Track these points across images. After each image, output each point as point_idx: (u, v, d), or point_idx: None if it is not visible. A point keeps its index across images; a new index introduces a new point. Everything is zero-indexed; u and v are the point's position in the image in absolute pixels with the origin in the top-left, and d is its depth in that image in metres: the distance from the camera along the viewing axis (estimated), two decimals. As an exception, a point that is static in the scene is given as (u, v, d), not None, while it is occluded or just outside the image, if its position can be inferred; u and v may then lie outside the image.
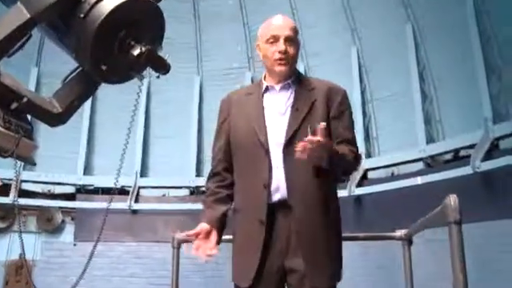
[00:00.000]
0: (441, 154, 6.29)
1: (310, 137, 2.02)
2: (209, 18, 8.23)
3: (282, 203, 2.21)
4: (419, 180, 6.02)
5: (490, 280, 4.91)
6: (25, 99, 2.00)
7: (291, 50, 2.32)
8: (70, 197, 7.78)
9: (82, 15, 1.92)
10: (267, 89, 2.39)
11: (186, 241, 3.66)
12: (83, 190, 7.80)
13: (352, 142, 2.32)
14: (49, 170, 7.44)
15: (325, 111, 2.30)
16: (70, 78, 2.26)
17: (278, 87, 2.36)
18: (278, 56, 2.30)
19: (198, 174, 7.99)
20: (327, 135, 2.08)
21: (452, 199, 1.95)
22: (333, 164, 2.14)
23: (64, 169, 7.73)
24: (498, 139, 5.63)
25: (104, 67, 2.08)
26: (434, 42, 6.72)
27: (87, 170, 7.90)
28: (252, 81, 8.13)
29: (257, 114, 2.34)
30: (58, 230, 7.51)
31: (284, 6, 7.82)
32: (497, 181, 5.43)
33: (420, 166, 6.37)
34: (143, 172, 8.02)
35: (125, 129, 8.80)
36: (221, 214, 2.29)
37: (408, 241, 3.11)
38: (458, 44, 6.36)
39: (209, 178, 2.43)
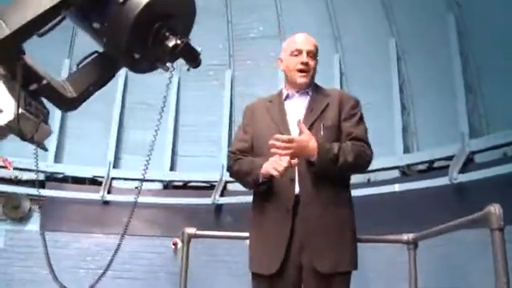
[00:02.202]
0: (417, 164, 6.54)
1: (282, 136, 2.36)
2: (193, 12, 8.16)
3: (298, 195, 2.47)
4: (397, 187, 6.24)
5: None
6: (44, 81, 1.96)
7: (312, 63, 2.66)
8: (38, 184, 7.49)
9: (120, 0, 1.88)
10: (287, 96, 2.72)
11: (196, 235, 3.66)
12: (52, 178, 7.55)
13: (361, 138, 2.59)
14: (17, 155, 7.16)
15: (336, 114, 2.58)
16: (84, 62, 2.23)
17: (297, 94, 2.69)
18: (300, 67, 2.65)
19: (172, 168, 7.91)
20: (303, 131, 2.39)
21: (496, 208, 2.09)
22: (322, 158, 2.37)
23: (32, 155, 7.44)
24: (473, 153, 5.95)
25: (137, 56, 2.07)
26: (415, 57, 6.99)
27: (58, 157, 7.66)
28: (231, 79, 8.15)
29: (281, 118, 2.65)
30: (24, 218, 7.21)
31: (270, 8, 7.92)
32: (471, 192, 5.71)
33: (396, 173, 6.60)
34: (116, 163, 7.86)
35: (98, 118, 8.64)
36: None
37: (414, 244, 3.25)
38: (438, 61, 6.65)
39: (234, 160, 2.74)
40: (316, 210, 2.45)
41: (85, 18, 2.12)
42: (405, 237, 3.30)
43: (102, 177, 7.60)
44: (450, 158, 6.20)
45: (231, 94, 8.04)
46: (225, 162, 7.76)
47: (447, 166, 6.14)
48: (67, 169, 7.62)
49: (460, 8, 6.46)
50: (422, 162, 6.50)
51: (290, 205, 2.46)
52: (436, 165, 6.48)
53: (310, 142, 2.39)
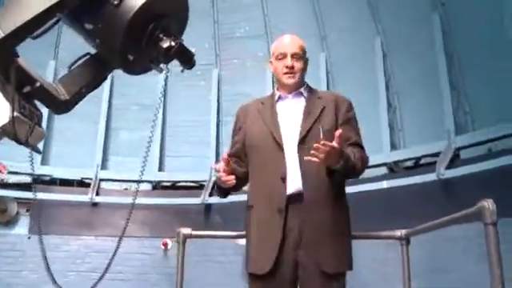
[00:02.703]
0: (404, 161, 6.64)
1: (324, 141, 2.30)
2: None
3: (297, 195, 2.46)
4: (385, 184, 6.33)
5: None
6: (37, 83, 1.95)
7: (298, 65, 2.66)
8: (25, 187, 7.43)
9: (115, 2, 1.88)
10: (280, 97, 2.72)
11: (192, 236, 3.67)
12: (39, 181, 7.48)
13: (360, 143, 2.64)
14: (3, 157, 7.08)
15: (333, 117, 2.62)
16: (76, 64, 2.23)
17: (290, 95, 2.70)
18: (285, 70, 2.65)
19: (161, 168, 7.91)
20: (339, 143, 2.34)
21: (490, 202, 2.14)
22: (343, 167, 2.39)
23: (20, 157, 7.39)
24: (459, 149, 6.06)
25: (131, 57, 2.08)
26: (401, 56, 7.09)
27: (44, 159, 7.60)
28: (218, 78, 8.17)
29: (271, 119, 2.64)
30: (11, 221, 7.14)
31: (256, 8, 7.95)
32: (458, 188, 5.82)
33: (383, 170, 6.69)
34: (104, 164, 7.83)
35: (84, 119, 8.56)
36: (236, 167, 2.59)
37: (406, 240, 3.30)
38: (424, 59, 6.77)
39: None
40: (314, 208, 2.48)
41: (78, 19, 2.10)
42: (397, 233, 3.31)
43: (90, 178, 7.56)
44: (436, 155, 6.31)
45: (218, 94, 8.06)
46: (213, 161, 7.80)
47: (434, 163, 6.26)
48: (55, 171, 7.57)
49: (444, 8, 6.58)
50: (408, 159, 6.60)
51: (283, 204, 2.48)
52: (423, 161, 6.59)
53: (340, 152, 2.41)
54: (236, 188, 2.61)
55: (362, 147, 2.65)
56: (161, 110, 8.07)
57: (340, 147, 2.33)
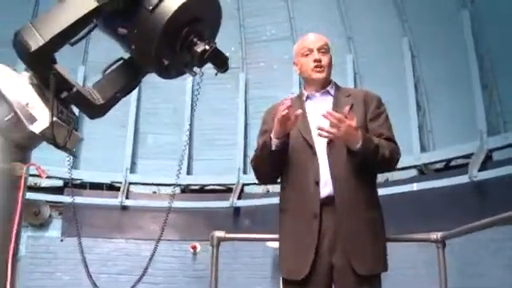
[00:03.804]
0: (434, 163, 6.54)
1: (335, 114, 2.25)
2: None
3: (331, 197, 2.38)
4: (415, 186, 6.23)
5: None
6: (74, 89, 1.97)
7: (325, 59, 2.59)
8: (57, 190, 7.58)
9: (150, 7, 1.90)
10: (308, 97, 2.64)
11: (225, 238, 3.67)
12: (71, 184, 7.61)
13: (391, 138, 2.51)
14: (36, 162, 7.23)
15: (362, 114, 2.54)
16: (110, 69, 2.25)
17: (318, 94, 2.61)
18: (313, 65, 2.57)
19: (189, 172, 7.96)
20: (352, 118, 2.28)
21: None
22: (365, 147, 2.30)
23: (52, 161, 7.53)
24: (491, 151, 5.94)
25: (166, 62, 2.08)
26: (429, 56, 6.99)
27: (75, 163, 7.72)
28: (245, 82, 8.19)
29: (301, 119, 2.49)
30: (44, 224, 7.29)
31: (282, 11, 7.95)
32: (491, 190, 5.70)
33: (413, 173, 6.59)
34: (133, 168, 7.93)
35: (113, 123, 8.64)
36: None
37: (442, 243, 3.23)
38: (453, 59, 6.65)
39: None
40: (347, 211, 2.44)
41: (113, 25, 2.14)
42: (433, 236, 3.24)
43: (120, 182, 7.65)
44: (467, 157, 6.19)
45: (245, 97, 8.07)
46: (241, 164, 7.81)
47: (464, 165, 6.15)
48: (85, 175, 7.69)
49: (474, 5, 6.45)
50: (439, 161, 6.49)
51: (317, 209, 2.44)
52: (453, 163, 6.47)
53: (356, 128, 2.37)
54: (276, 167, 2.51)
55: (394, 142, 2.59)
56: (188, 114, 8.13)
57: (354, 125, 2.27)
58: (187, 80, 8.22)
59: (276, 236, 2.84)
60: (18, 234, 1.91)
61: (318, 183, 2.43)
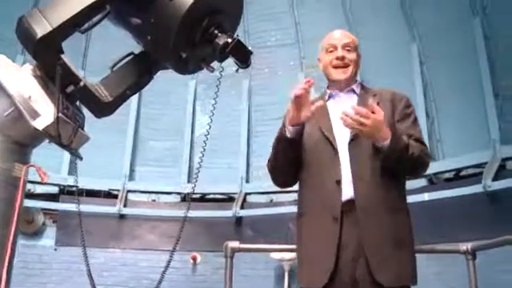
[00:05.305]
0: (444, 172, 6.36)
1: (361, 110, 2.10)
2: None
3: (353, 201, 2.20)
4: (426, 196, 6.04)
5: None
6: (81, 83, 1.83)
7: (350, 57, 2.43)
8: (51, 197, 7.31)
9: None
10: (331, 96, 2.49)
11: (240, 249, 3.45)
12: (66, 191, 7.36)
13: (420, 139, 2.34)
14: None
15: (389, 114, 2.40)
16: (119, 65, 2.08)
17: (342, 93, 2.46)
18: (335, 62, 2.42)
19: (190, 180, 7.73)
20: (381, 113, 2.11)
21: None
22: (393, 144, 2.13)
23: (46, 167, 7.28)
24: (504, 160, 5.77)
25: (184, 55, 1.94)
26: (438, 63, 6.85)
27: (71, 169, 7.47)
28: (249, 88, 8.01)
29: (323, 117, 2.38)
30: (38, 233, 7.01)
31: (287, 16, 7.82)
32: (505, 200, 5.52)
33: (423, 182, 6.40)
34: (132, 175, 7.68)
35: (113, 129, 8.39)
36: None
37: (473, 255, 3.07)
38: (463, 66, 6.52)
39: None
40: (372, 217, 2.23)
41: (127, 14, 1.99)
42: (463, 247, 3.10)
43: (118, 190, 7.40)
44: (477, 166, 6.04)
45: (249, 104, 7.89)
46: (244, 173, 7.59)
47: (475, 174, 5.99)
48: (81, 181, 7.41)
49: (485, 12, 6.33)
50: (450, 170, 6.32)
51: (338, 212, 2.24)
52: (463, 173, 6.30)
53: (384, 124, 2.17)
54: (291, 163, 2.33)
55: (424, 145, 2.41)
56: (190, 121, 7.94)
57: (382, 119, 2.11)
58: (189, 85, 8.04)
59: (293, 246, 2.68)
60: (15, 237, 1.78)
61: (339, 183, 2.25)
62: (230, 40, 1.87)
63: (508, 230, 5.24)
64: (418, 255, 2.82)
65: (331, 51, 2.46)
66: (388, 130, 2.15)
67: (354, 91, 2.49)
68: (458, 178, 6.34)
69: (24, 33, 1.74)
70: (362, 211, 2.21)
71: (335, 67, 2.44)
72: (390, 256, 2.19)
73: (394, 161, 2.21)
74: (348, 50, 2.43)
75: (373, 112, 2.12)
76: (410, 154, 2.19)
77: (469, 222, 5.45)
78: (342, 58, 2.42)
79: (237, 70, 2.11)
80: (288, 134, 2.25)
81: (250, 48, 2.04)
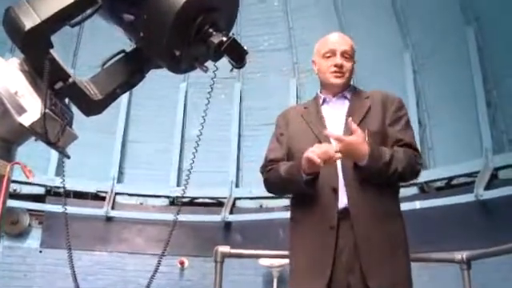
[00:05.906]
0: (436, 181, 6.33)
1: (332, 134, 2.13)
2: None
3: (348, 209, 2.16)
4: (417, 205, 6.01)
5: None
6: (70, 80, 1.74)
7: (347, 65, 2.38)
8: (37, 198, 7.17)
9: None
10: (324, 100, 2.45)
11: (230, 254, 3.38)
12: (53, 193, 7.22)
13: (410, 144, 2.30)
14: (16, 168, 6.86)
15: (380, 118, 2.35)
16: (109, 63, 2.02)
17: (334, 98, 2.41)
18: (333, 69, 2.36)
19: (179, 183, 7.63)
20: (359, 133, 2.10)
21: None
22: (371, 164, 2.11)
23: (32, 167, 7.14)
24: (496, 169, 5.76)
25: (177, 53, 1.86)
26: (431, 71, 6.85)
27: (58, 170, 7.34)
28: (240, 92, 7.95)
29: (318, 123, 2.35)
30: (23, 234, 6.86)
31: (280, 21, 7.78)
32: (497, 210, 5.50)
33: (414, 190, 6.38)
34: (120, 177, 7.57)
35: (102, 130, 8.30)
36: None
37: (468, 264, 3.02)
38: (456, 75, 6.52)
39: (268, 171, 2.39)
40: (365, 224, 2.18)
41: (119, 9, 1.92)
42: (458, 256, 3.06)
43: (106, 192, 7.29)
44: (469, 175, 6.02)
45: (240, 108, 7.82)
46: (234, 177, 7.52)
47: (467, 183, 5.97)
48: (69, 182, 7.30)
49: (479, 22, 6.35)
50: (442, 179, 6.29)
51: (334, 220, 2.18)
52: (455, 181, 6.28)
53: (362, 144, 2.13)
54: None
55: (416, 149, 2.36)
56: (180, 124, 7.85)
57: (360, 140, 2.09)
58: (179, 88, 7.96)
59: (285, 253, 2.62)
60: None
61: (335, 190, 2.20)
62: (225, 39, 1.79)
63: (500, 239, 5.22)
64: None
65: (329, 57, 2.40)
66: (367, 148, 2.11)
67: (345, 96, 2.45)
68: (449, 186, 6.33)
69: (11, 25, 1.67)
70: (356, 218, 2.17)
71: (333, 72, 2.41)
72: (384, 262, 2.15)
73: (374, 178, 2.18)
74: (346, 58, 2.39)
75: (352, 132, 2.10)
76: (391, 171, 2.15)
77: (461, 231, 5.43)
78: (341, 67, 2.38)
79: (231, 70, 2.03)
80: (304, 179, 2.18)
81: (245, 48, 1.97)
